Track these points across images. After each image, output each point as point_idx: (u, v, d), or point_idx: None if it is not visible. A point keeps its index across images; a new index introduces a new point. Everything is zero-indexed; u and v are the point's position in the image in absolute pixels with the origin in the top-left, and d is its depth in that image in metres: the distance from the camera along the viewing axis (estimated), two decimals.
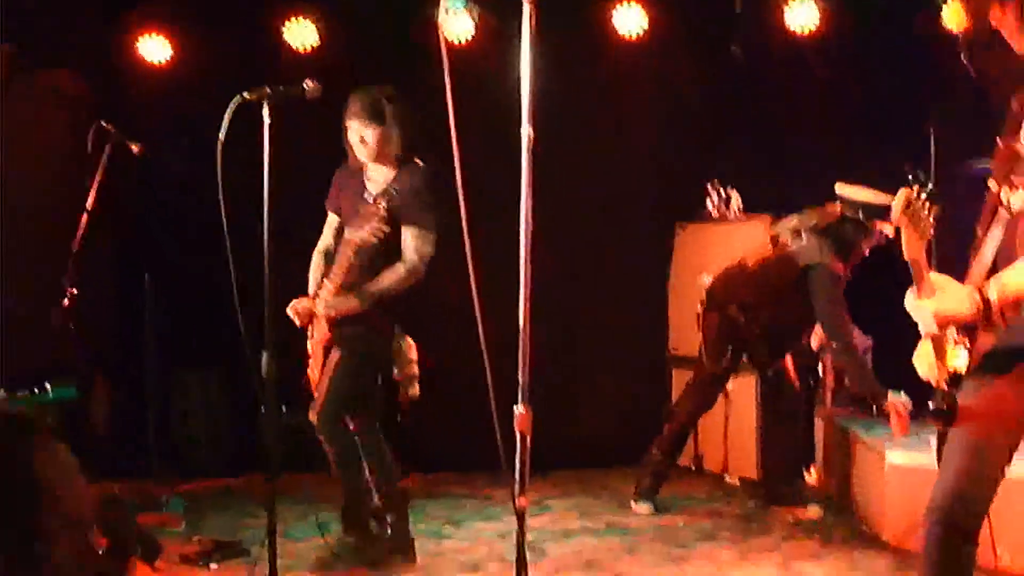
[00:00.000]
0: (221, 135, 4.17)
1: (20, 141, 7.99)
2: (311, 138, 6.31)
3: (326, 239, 6.01)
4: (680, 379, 8.17)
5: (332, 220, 5.98)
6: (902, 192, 3.14)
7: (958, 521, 3.30)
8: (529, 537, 3.57)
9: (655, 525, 6.73)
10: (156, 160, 6.93)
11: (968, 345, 3.25)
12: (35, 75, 8.18)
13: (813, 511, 6.78)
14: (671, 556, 6.08)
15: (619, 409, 8.26)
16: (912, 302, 3.24)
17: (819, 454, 7.59)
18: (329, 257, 5.93)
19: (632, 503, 7.08)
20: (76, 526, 1.91)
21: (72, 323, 6.76)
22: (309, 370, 5.99)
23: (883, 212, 6.08)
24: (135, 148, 6.63)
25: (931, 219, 3.13)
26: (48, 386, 5.83)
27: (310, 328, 5.92)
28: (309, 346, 5.97)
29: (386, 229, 5.50)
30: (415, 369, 5.90)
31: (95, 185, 6.56)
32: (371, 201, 5.61)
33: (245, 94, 4.45)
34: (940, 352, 3.28)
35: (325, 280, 5.77)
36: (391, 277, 5.59)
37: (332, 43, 8.07)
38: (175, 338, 8.02)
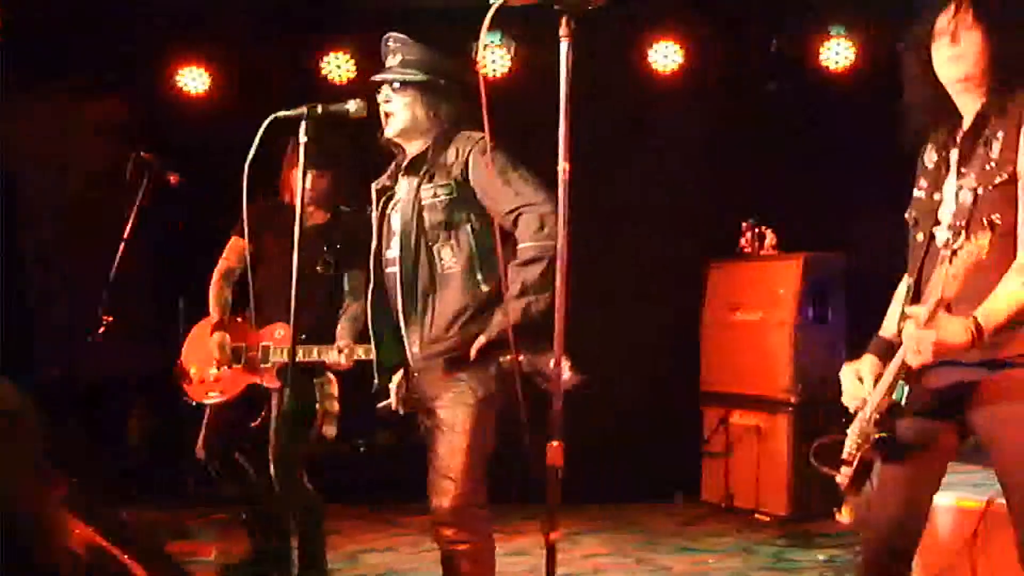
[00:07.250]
0: (250, 153, 4.08)
1: (61, 168, 8.08)
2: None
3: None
4: (712, 416, 8.14)
5: None
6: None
7: (898, 546, 3.50)
8: (559, 571, 3.55)
9: (685, 563, 6.69)
10: (192, 189, 6.97)
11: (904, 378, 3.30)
12: (82, 105, 8.28)
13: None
14: None
15: (652, 445, 8.20)
16: (914, 331, 3.22)
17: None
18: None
19: None
20: None
21: (107, 350, 6.81)
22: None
23: None
24: (172, 178, 6.67)
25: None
26: None
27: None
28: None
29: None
30: (335, 407, 5.61)
31: (133, 214, 6.61)
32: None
33: (281, 112, 4.29)
34: (893, 381, 3.32)
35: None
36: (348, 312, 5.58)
37: (368, 76, 8.07)
38: None
